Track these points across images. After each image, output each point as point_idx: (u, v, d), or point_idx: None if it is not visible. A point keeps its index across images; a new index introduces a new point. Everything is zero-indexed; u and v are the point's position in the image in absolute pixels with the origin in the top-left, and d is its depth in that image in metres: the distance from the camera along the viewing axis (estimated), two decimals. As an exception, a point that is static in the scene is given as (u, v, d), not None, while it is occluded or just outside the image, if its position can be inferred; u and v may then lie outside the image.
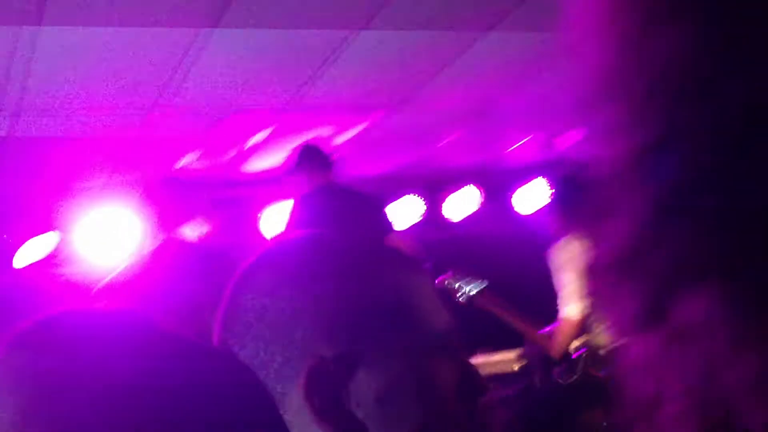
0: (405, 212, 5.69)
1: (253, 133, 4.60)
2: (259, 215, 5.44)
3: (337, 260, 0.80)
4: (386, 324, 0.74)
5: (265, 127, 4.50)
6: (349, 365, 0.71)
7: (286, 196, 5.32)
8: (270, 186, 5.42)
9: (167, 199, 5.23)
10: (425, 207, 5.91)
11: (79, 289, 4.81)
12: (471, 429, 0.74)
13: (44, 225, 4.93)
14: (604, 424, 4.02)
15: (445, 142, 5.30)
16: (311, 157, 3.89)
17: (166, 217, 5.20)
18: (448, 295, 4.41)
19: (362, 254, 0.82)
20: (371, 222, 3.76)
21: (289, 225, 3.68)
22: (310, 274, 0.77)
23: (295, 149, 3.95)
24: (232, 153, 4.88)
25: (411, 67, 3.99)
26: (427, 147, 5.34)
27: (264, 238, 5.34)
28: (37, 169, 4.53)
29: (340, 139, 4.89)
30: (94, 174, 4.76)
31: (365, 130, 4.83)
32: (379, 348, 0.73)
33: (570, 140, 5.61)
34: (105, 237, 4.91)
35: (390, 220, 3.90)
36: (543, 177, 5.75)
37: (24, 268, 4.86)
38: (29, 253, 4.88)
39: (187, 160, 4.86)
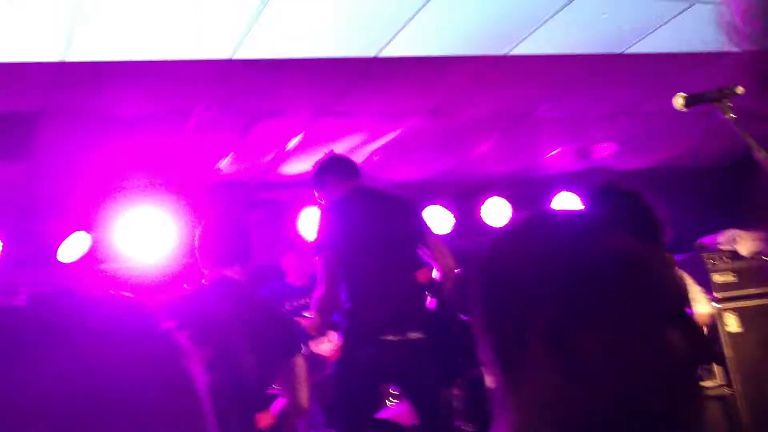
0: (438, 220, 5.74)
1: (289, 138, 4.67)
2: (296, 216, 5.53)
3: None
4: None
5: (300, 131, 4.57)
6: None
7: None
8: (308, 188, 5.49)
9: (205, 201, 5.33)
10: (457, 215, 5.95)
11: (118, 284, 4.93)
12: None
13: (85, 223, 5.06)
14: None
15: (479, 150, 5.34)
16: (339, 165, 3.84)
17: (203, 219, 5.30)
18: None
19: None
20: (406, 221, 3.75)
21: (323, 228, 3.61)
22: None
23: (319, 161, 3.89)
24: (270, 156, 4.96)
25: (443, 75, 4.04)
26: (462, 154, 5.38)
27: (302, 239, 5.42)
28: (79, 168, 4.65)
29: (374, 146, 4.96)
30: (134, 174, 4.87)
31: (398, 137, 4.88)
32: None
33: (603, 151, 5.62)
34: (143, 236, 5.03)
35: (425, 221, 3.84)
36: (576, 186, 5.76)
37: (67, 263, 4.99)
38: (72, 248, 5.01)
39: (224, 163, 4.94)
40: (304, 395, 3.23)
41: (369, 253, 3.55)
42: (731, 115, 1.83)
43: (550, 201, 5.93)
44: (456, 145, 5.20)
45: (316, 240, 3.61)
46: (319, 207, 3.79)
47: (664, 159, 5.97)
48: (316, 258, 3.57)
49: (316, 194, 3.84)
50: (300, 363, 3.22)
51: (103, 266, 5.15)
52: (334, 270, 3.52)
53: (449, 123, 4.74)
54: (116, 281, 5.06)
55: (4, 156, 4.26)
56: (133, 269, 5.02)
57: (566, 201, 5.87)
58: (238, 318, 2.99)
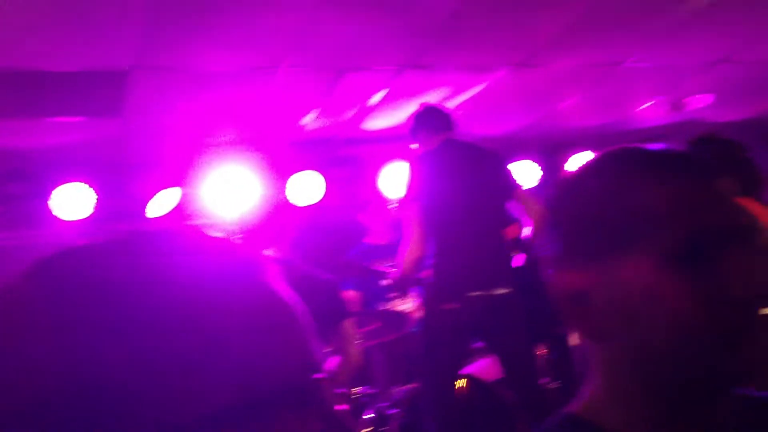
0: (524, 174, 5.64)
1: (372, 93, 4.64)
2: (378, 173, 5.52)
3: None
4: None
5: (384, 86, 4.54)
6: None
7: (404, 156, 5.37)
8: (389, 144, 5.48)
9: (289, 158, 5.38)
10: (544, 170, 5.85)
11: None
12: None
13: (174, 179, 5.18)
14: None
15: (567, 102, 5.20)
16: (432, 117, 3.81)
17: (286, 176, 5.36)
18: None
19: None
20: (496, 174, 3.69)
21: (413, 179, 3.58)
22: None
23: (414, 112, 3.88)
24: (352, 112, 4.95)
25: (532, 25, 3.92)
26: (548, 108, 5.25)
27: (382, 196, 5.42)
28: (169, 125, 4.75)
29: (459, 100, 4.88)
30: (222, 131, 4.95)
31: (483, 90, 4.79)
32: None
33: (696, 103, 5.39)
34: (228, 193, 5.12)
35: (514, 175, 3.77)
36: (670, 140, 5.55)
37: (155, 218, 5.13)
38: (160, 204, 5.15)
39: (308, 119, 4.96)
40: (354, 354, 3.29)
41: (458, 207, 3.52)
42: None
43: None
44: (543, 98, 5.08)
45: (405, 191, 3.59)
46: (408, 159, 3.76)
47: (762, 110, 5.69)
48: (404, 210, 3.56)
49: (412, 146, 3.81)
50: (348, 327, 3.25)
51: (191, 221, 5.27)
52: (422, 223, 3.50)
53: (536, 75, 4.62)
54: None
55: (97, 113, 4.38)
56: (220, 225, 5.12)
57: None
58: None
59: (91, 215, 4.92)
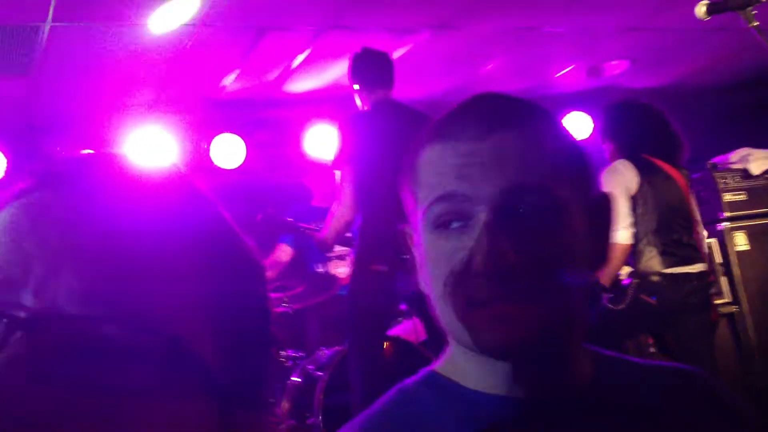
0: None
1: (293, 54, 4.58)
2: (301, 135, 5.47)
3: None
4: None
5: (305, 47, 4.48)
6: None
7: (330, 117, 5.33)
8: (312, 106, 5.42)
9: (210, 120, 5.28)
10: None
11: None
12: None
13: (91, 142, 5.02)
14: (652, 350, 4.06)
15: (488, 67, 5.24)
16: (374, 67, 3.68)
17: (207, 138, 5.26)
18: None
19: None
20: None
21: (346, 141, 3.52)
22: None
23: (356, 54, 3.73)
24: (275, 73, 4.88)
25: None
26: (470, 72, 5.29)
27: (307, 158, 5.37)
28: (82, 85, 4.59)
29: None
30: (140, 93, 4.81)
31: (406, 54, 4.78)
32: None
33: (615, 69, 5.51)
34: (149, 155, 4.99)
35: None
36: (586, 105, 5.67)
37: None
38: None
39: (230, 80, 4.87)
40: None
41: (390, 172, 3.49)
42: (755, 23, 1.75)
43: (562, 120, 5.85)
44: (464, 62, 5.10)
45: (338, 152, 3.54)
46: (341, 119, 3.67)
47: (677, 77, 5.86)
48: (338, 171, 3.52)
49: (355, 87, 3.70)
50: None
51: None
52: (354, 186, 3.48)
53: (457, 38, 4.63)
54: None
55: (7, 70, 4.19)
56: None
57: (578, 120, 5.79)
58: None
59: (1, 179, 4.74)
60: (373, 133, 3.53)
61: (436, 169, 0.80)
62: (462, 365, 0.84)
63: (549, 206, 0.77)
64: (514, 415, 0.80)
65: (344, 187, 3.50)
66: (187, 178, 0.57)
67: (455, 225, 0.78)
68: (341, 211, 3.51)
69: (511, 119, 0.81)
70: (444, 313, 0.79)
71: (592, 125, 5.63)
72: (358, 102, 3.72)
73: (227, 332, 0.52)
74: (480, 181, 0.77)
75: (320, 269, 4.46)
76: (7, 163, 4.78)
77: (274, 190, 5.23)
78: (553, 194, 0.77)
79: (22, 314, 0.47)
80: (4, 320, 0.46)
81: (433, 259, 0.79)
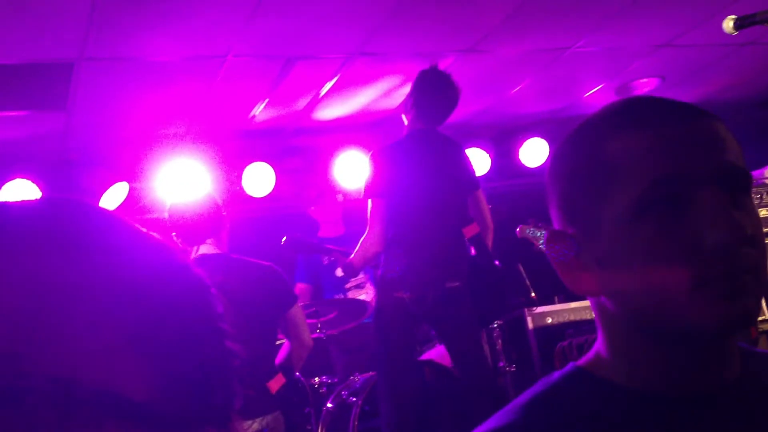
0: (475, 161, 5.67)
1: (322, 82, 4.62)
2: (330, 163, 5.50)
3: None
4: None
5: (333, 75, 4.52)
6: None
7: (358, 145, 5.36)
8: (341, 134, 5.46)
9: (241, 150, 5.33)
10: (494, 156, 5.89)
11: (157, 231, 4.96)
12: None
13: (123, 173, 5.09)
14: None
15: (516, 89, 5.24)
16: (437, 96, 3.59)
17: (238, 168, 5.31)
18: (529, 243, 4.43)
19: None
20: (460, 169, 3.66)
21: (378, 172, 3.50)
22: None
23: (423, 72, 3.66)
24: (303, 102, 4.92)
25: (478, 11, 3.94)
26: (498, 94, 5.29)
27: (335, 186, 5.40)
28: (115, 118, 4.66)
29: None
30: (172, 125, 4.88)
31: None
32: None
33: (644, 87, 5.48)
34: (180, 186, 5.05)
35: (475, 170, 3.78)
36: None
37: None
38: (111, 200, 5.06)
39: (259, 110, 4.92)
40: (306, 336, 3.23)
41: (422, 203, 3.49)
42: (785, 36, 1.73)
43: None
44: (492, 84, 5.11)
45: (369, 183, 3.53)
46: (372, 150, 3.67)
47: (708, 93, 5.81)
48: (368, 201, 3.53)
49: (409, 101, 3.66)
50: (297, 312, 3.19)
51: (144, 216, 5.19)
52: (384, 220, 3.48)
53: (484, 61, 4.64)
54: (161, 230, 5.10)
55: (42, 106, 4.28)
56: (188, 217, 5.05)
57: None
58: (223, 293, 2.90)
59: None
60: (404, 166, 3.53)
61: (638, 155, 0.80)
62: (619, 362, 0.84)
63: (750, 186, 0.81)
64: (667, 413, 0.80)
65: (375, 219, 3.50)
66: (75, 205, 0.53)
67: (669, 207, 0.78)
68: (370, 242, 3.50)
69: (699, 109, 0.85)
70: (658, 299, 0.77)
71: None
72: (403, 118, 3.69)
73: (160, 362, 0.49)
74: (697, 161, 0.78)
75: (345, 297, 4.46)
76: (42, 197, 4.85)
77: (303, 217, 5.26)
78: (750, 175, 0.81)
79: None
80: None
81: (644, 246, 0.78)
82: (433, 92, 3.59)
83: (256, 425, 2.85)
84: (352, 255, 3.58)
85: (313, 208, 5.10)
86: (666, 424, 0.80)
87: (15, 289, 0.45)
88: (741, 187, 0.80)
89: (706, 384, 0.82)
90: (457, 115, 5.49)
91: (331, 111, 5.15)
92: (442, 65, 4.58)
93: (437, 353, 4.12)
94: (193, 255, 3.09)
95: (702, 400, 0.81)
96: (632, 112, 0.84)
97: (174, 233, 3.16)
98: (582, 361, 0.88)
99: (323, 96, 4.84)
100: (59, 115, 4.40)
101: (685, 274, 0.76)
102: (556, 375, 0.87)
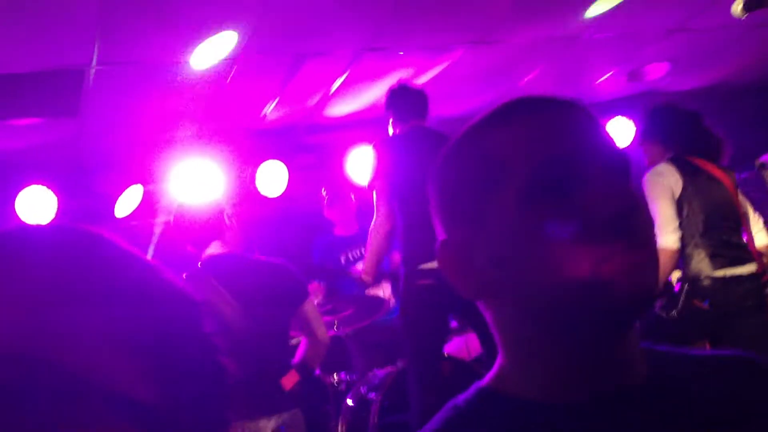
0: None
1: (332, 78, 4.62)
2: (343, 159, 5.51)
3: None
4: None
5: (343, 71, 4.52)
6: None
7: (370, 140, 5.36)
8: (353, 130, 5.46)
9: (253, 149, 5.34)
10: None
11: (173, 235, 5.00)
12: None
13: (137, 176, 5.12)
14: None
15: (527, 78, 5.22)
16: (405, 100, 3.81)
17: (251, 167, 5.33)
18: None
19: None
20: None
21: (380, 161, 3.62)
22: None
23: (390, 88, 3.87)
24: (314, 99, 4.92)
25: (485, 2, 3.93)
26: (509, 84, 5.27)
27: (350, 182, 5.41)
28: (128, 122, 4.69)
29: (420, 81, 4.88)
30: (184, 126, 4.89)
31: (444, 71, 4.79)
32: None
33: (655, 72, 5.45)
34: (193, 188, 5.07)
35: None
36: (628, 110, 5.61)
37: (124, 217, 5.07)
38: (127, 203, 5.09)
39: (270, 109, 4.93)
40: (322, 333, 3.23)
41: (421, 191, 3.51)
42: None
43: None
44: (503, 74, 5.09)
45: (373, 172, 3.64)
46: (374, 142, 3.77)
47: (720, 77, 5.77)
48: (372, 190, 3.63)
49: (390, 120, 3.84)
50: (309, 308, 3.19)
51: (159, 219, 5.22)
52: (390, 197, 3.55)
53: (494, 52, 4.63)
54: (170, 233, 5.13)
55: (55, 113, 4.30)
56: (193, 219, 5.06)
57: (620, 126, 5.72)
58: (233, 292, 2.91)
59: (53, 219, 4.85)
60: (405, 152, 3.63)
61: (523, 143, 0.80)
62: (523, 375, 0.82)
63: (629, 169, 0.81)
64: (571, 421, 0.78)
65: (380, 200, 3.59)
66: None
67: (559, 188, 0.77)
68: (379, 222, 3.59)
69: (575, 100, 0.84)
70: (561, 283, 0.76)
71: (635, 131, 5.57)
72: (390, 130, 3.84)
73: (150, 362, 0.53)
74: (582, 144, 0.79)
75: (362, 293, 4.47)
76: (58, 203, 4.88)
77: (317, 216, 5.28)
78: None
79: None
80: None
81: (539, 231, 0.77)
82: (400, 94, 3.82)
83: (272, 423, 2.86)
84: (366, 252, 3.62)
85: (327, 208, 5.12)
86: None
87: (39, 299, 0.51)
88: (621, 169, 0.80)
89: (609, 388, 0.79)
90: (469, 106, 5.49)
91: (342, 107, 5.15)
92: (453, 57, 4.58)
93: (455, 346, 4.11)
94: (204, 256, 3.11)
95: (607, 405, 0.79)
96: (514, 108, 0.84)
97: (180, 237, 3.18)
98: (485, 380, 0.86)
99: (334, 92, 4.85)
100: (72, 121, 4.43)
101: (586, 252, 0.74)
102: (461, 399, 0.85)
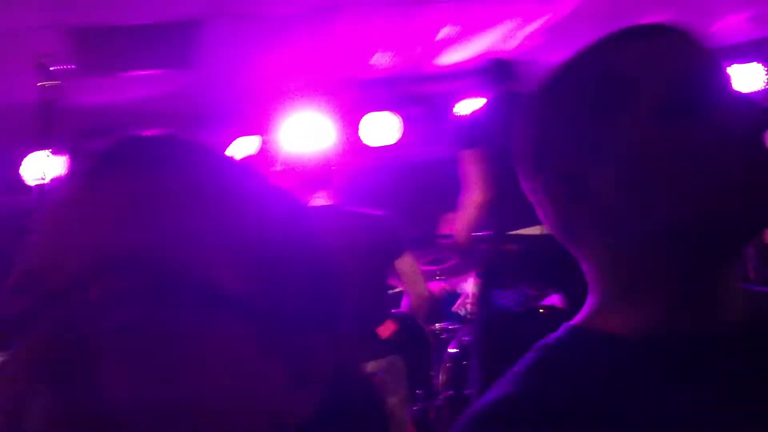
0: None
1: (440, 27, 4.57)
2: (453, 109, 5.46)
3: None
4: None
5: (453, 19, 4.46)
6: None
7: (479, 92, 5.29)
8: (462, 80, 5.40)
9: (361, 99, 5.38)
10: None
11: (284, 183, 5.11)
12: None
13: (251, 127, 5.26)
14: None
15: (646, 22, 4.99)
16: (497, 70, 3.71)
17: (358, 117, 5.37)
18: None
19: None
20: None
21: (465, 130, 3.56)
22: None
23: (482, 62, 3.79)
24: (422, 48, 4.89)
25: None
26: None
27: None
28: (240, 73, 4.80)
29: (529, 29, 4.75)
30: (293, 78, 4.97)
31: (554, 17, 4.64)
32: None
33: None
34: (304, 138, 5.16)
35: None
36: (755, 56, 5.29)
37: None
38: (237, 153, 5.25)
39: (378, 58, 4.93)
40: (421, 288, 3.23)
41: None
42: None
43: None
44: (620, 18, 4.87)
45: (462, 134, 3.52)
46: (468, 108, 3.71)
47: None
48: (463, 153, 3.47)
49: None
50: (405, 263, 3.18)
51: (272, 168, 5.35)
52: (483, 170, 3.41)
53: (608, -3, 4.44)
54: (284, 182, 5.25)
55: (171, 64, 4.46)
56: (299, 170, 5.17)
57: (743, 74, 5.41)
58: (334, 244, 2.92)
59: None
60: (500, 120, 3.47)
61: (655, 59, 0.80)
62: (620, 311, 0.80)
63: None
64: (674, 357, 0.76)
65: (472, 171, 3.42)
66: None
67: (699, 107, 0.78)
68: (474, 195, 3.42)
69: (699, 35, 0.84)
70: (701, 203, 0.75)
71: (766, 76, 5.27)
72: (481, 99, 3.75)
73: (254, 263, 0.55)
74: (713, 67, 0.80)
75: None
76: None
77: (429, 166, 5.26)
78: None
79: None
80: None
81: (679, 148, 0.77)
82: (491, 69, 3.71)
83: (368, 368, 2.93)
84: (455, 233, 3.53)
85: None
86: (674, 369, 0.75)
87: (165, 203, 0.54)
88: (748, 99, 0.77)
89: (709, 324, 0.77)
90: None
91: (451, 57, 5.09)
92: (564, 3, 4.43)
93: (555, 300, 4.05)
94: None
95: (706, 341, 0.76)
96: (635, 30, 0.81)
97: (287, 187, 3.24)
98: (576, 320, 0.83)
99: (442, 41, 4.79)
100: (188, 72, 4.58)
101: (719, 170, 0.73)
102: (552, 337, 0.83)
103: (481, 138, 3.44)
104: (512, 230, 3.32)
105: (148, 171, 0.55)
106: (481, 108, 3.66)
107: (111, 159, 0.57)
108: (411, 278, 3.21)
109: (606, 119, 0.77)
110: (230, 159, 0.61)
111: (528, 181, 0.85)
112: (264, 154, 5.32)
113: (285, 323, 0.55)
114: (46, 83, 2.24)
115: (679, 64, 0.76)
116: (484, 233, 3.47)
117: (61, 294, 0.50)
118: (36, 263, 0.52)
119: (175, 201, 0.54)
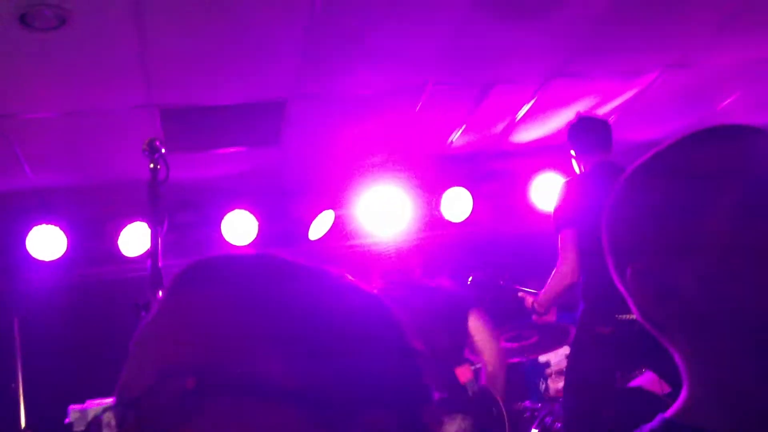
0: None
1: (519, 105, 4.62)
2: (528, 185, 5.48)
3: None
4: None
5: (531, 98, 4.51)
6: None
7: (556, 167, 5.30)
8: (539, 156, 5.42)
9: (439, 175, 5.44)
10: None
11: (362, 257, 5.18)
12: None
13: (330, 201, 5.36)
14: None
15: (725, 102, 4.97)
16: (589, 133, 3.69)
17: (437, 193, 5.42)
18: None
19: None
20: None
21: (566, 202, 3.53)
22: None
23: (571, 122, 3.79)
24: (500, 126, 4.94)
25: (684, 23, 3.79)
26: (706, 108, 5.04)
27: (534, 208, 5.37)
28: (322, 150, 4.93)
29: (609, 107, 4.77)
30: (373, 154, 5.07)
31: (635, 95, 4.66)
32: None
33: None
34: (382, 213, 5.24)
35: None
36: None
37: (316, 240, 5.32)
38: (320, 227, 5.34)
39: (456, 135, 5.00)
40: (491, 358, 3.23)
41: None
42: None
43: None
44: (700, 98, 4.87)
45: (557, 214, 3.55)
46: (561, 182, 3.72)
47: None
48: (559, 233, 3.51)
49: (572, 153, 3.75)
50: (474, 323, 3.19)
51: (350, 242, 5.42)
52: (577, 249, 3.44)
53: (691, 75, 4.45)
54: (361, 257, 5.31)
55: (258, 143, 4.61)
56: (376, 245, 5.24)
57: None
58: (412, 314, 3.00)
59: (254, 240, 5.17)
60: (590, 196, 3.47)
61: (736, 158, 0.82)
62: (711, 406, 0.80)
63: None
64: None
65: (566, 250, 3.47)
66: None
67: None
68: (563, 273, 3.48)
69: None
70: None
71: None
72: (575, 166, 3.74)
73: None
74: None
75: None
76: (258, 226, 5.20)
77: (501, 242, 5.26)
78: None
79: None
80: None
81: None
82: (583, 127, 3.71)
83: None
84: (542, 290, 3.58)
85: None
86: None
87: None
88: None
89: None
90: (662, 132, 5.29)
91: (527, 134, 5.13)
92: (646, 81, 4.45)
93: (646, 379, 3.95)
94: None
95: None
96: (718, 130, 0.85)
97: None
98: (669, 412, 0.83)
99: (520, 119, 4.84)
100: (273, 149, 4.72)
101: None
102: (646, 428, 0.83)
103: (579, 215, 3.46)
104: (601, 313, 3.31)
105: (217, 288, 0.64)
106: (580, 179, 3.64)
107: (185, 279, 0.66)
108: (482, 337, 3.23)
109: (692, 216, 0.79)
110: (306, 269, 0.66)
111: (616, 273, 0.87)
112: (338, 228, 5.40)
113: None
114: (154, 164, 2.37)
115: (762, 161, 0.79)
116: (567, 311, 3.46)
117: (134, 402, 0.57)
118: (123, 377, 0.61)
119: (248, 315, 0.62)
